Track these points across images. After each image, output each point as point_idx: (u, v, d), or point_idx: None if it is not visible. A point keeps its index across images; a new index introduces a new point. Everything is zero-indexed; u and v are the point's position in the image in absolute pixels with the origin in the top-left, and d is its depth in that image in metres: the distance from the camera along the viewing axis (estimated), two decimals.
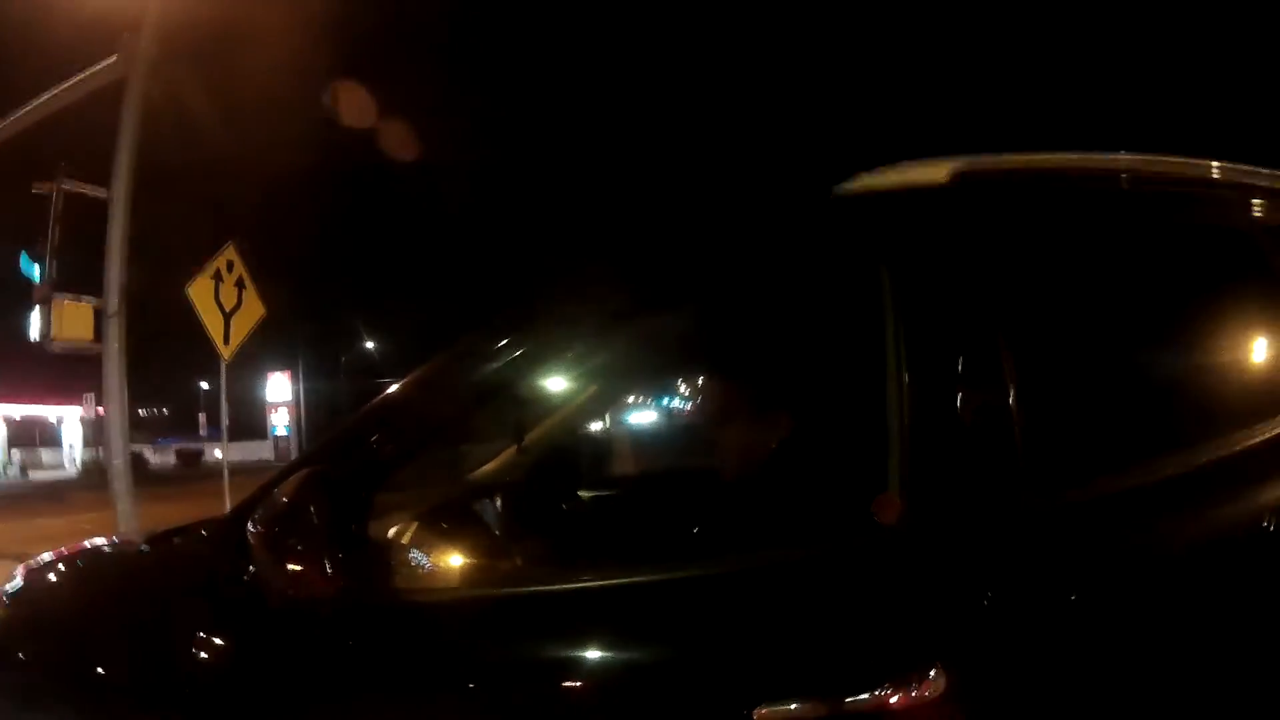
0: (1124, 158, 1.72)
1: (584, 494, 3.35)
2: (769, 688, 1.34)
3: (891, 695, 1.28)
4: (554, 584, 1.69)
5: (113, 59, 9.41)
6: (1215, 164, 1.71)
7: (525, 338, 1.69)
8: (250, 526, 1.57)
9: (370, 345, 54.87)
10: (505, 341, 1.68)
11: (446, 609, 1.65)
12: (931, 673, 1.28)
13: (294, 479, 1.59)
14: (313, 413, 54.10)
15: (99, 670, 1.79)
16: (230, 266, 9.06)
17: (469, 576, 1.91)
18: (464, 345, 1.75)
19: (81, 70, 9.70)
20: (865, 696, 1.29)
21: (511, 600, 1.65)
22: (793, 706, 1.31)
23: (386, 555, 1.91)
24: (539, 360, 1.75)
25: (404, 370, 1.82)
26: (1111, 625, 1.36)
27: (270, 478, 1.78)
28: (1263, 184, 1.70)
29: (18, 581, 2.28)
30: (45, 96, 10.25)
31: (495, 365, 1.68)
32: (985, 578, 1.38)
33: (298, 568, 1.50)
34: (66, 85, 10.01)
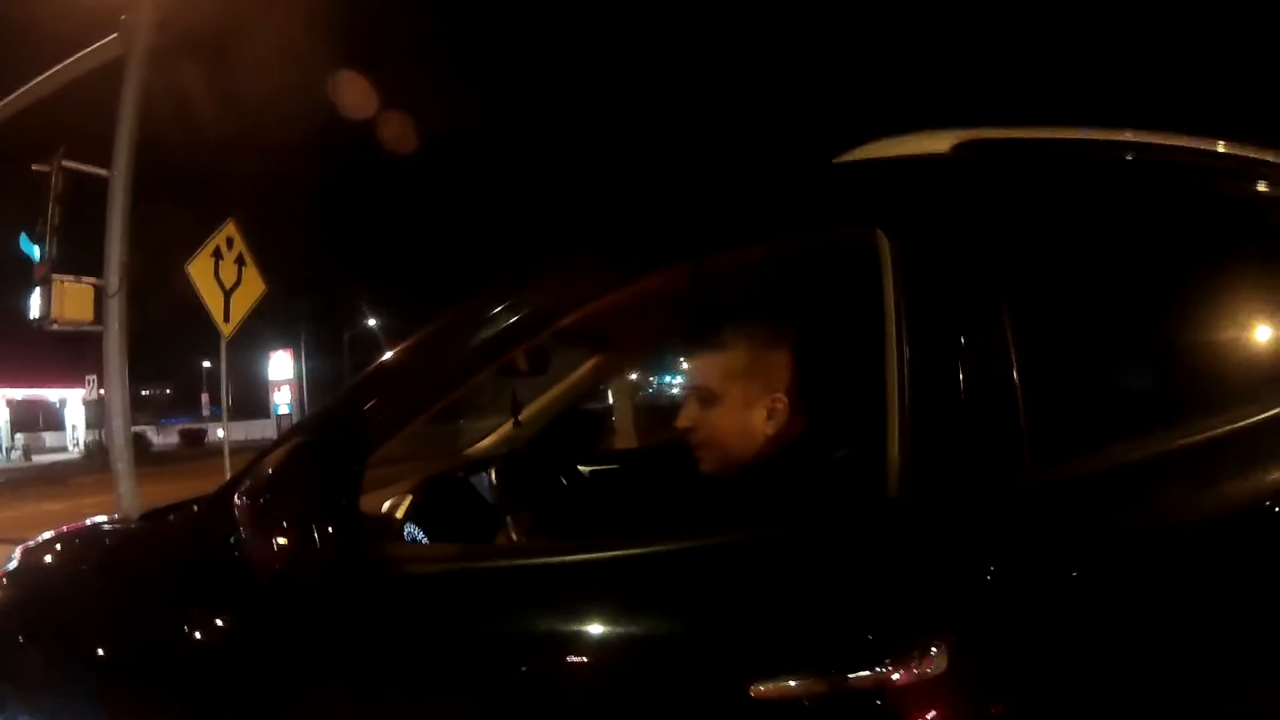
0: (1127, 133, 1.71)
1: (582, 468, 3.35)
2: (767, 662, 1.32)
3: (893, 672, 1.26)
4: (549, 557, 1.66)
5: (113, 37, 9.38)
6: (1222, 140, 1.70)
7: (520, 304, 1.66)
8: (236, 499, 1.55)
9: (373, 322, 54.90)
10: (500, 308, 1.66)
11: (439, 582, 1.62)
12: (933, 649, 1.26)
13: (281, 450, 1.57)
14: (315, 391, 54.33)
15: (92, 648, 1.78)
16: (230, 243, 9.03)
17: (462, 550, 1.87)
18: (458, 312, 1.72)
19: (81, 49, 9.67)
20: (866, 673, 1.27)
21: (505, 573, 1.63)
22: (792, 683, 1.29)
23: (379, 528, 1.89)
24: (534, 328, 1.71)
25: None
26: (1114, 602, 1.34)
27: (259, 451, 1.76)
28: (1270, 159, 1.69)
29: (14, 562, 2.28)
30: (46, 74, 10.24)
31: (490, 332, 1.66)
32: (988, 553, 1.36)
33: (283, 540, 1.47)
34: (67, 63, 9.99)
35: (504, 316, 1.65)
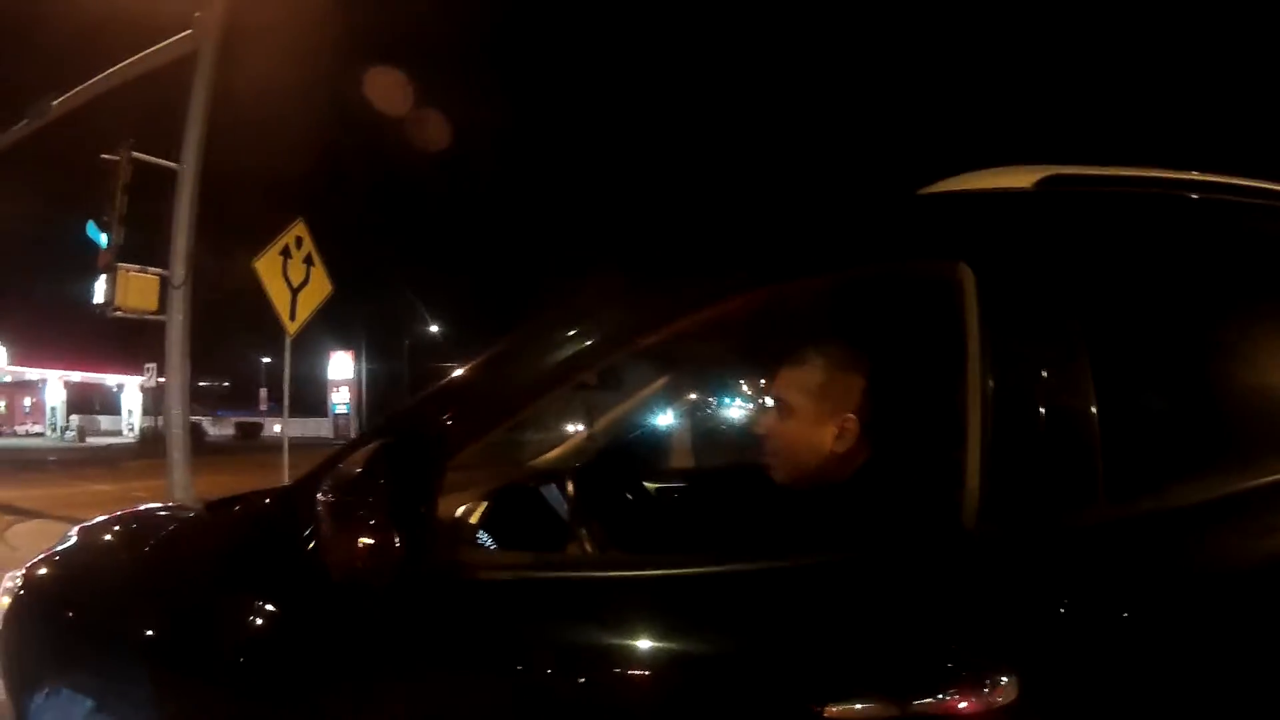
0: (1222, 177, 1.70)
1: (650, 485, 3.34)
2: (839, 685, 1.31)
3: (960, 700, 1.26)
4: (623, 570, 1.66)
5: (186, 33, 9.56)
6: None
7: (599, 325, 1.68)
8: (319, 495, 1.55)
9: (434, 329, 55.72)
10: (579, 329, 1.67)
11: (512, 589, 1.62)
12: (1003, 679, 1.26)
13: (365, 451, 1.57)
14: (373, 393, 55.29)
15: (148, 632, 1.80)
16: (299, 243, 9.09)
17: (536, 559, 1.89)
18: (538, 328, 1.73)
19: (153, 45, 9.88)
20: (934, 699, 1.27)
21: (578, 584, 1.63)
22: (859, 705, 1.29)
23: (453, 533, 1.88)
24: (611, 349, 1.72)
25: (465, 354, 1.80)
26: (1187, 641, 1.32)
27: (338, 449, 1.77)
28: None
29: (71, 541, 2.31)
30: (118, 66, 10.47)
31: (569, 351, 1.67)
32: (1060, 587, 1.35)
33: (363, 540, 1.47)
34: (139, 56, 10.22)
35: (586, 336, 1.66)
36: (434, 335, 55.31)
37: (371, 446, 1.58)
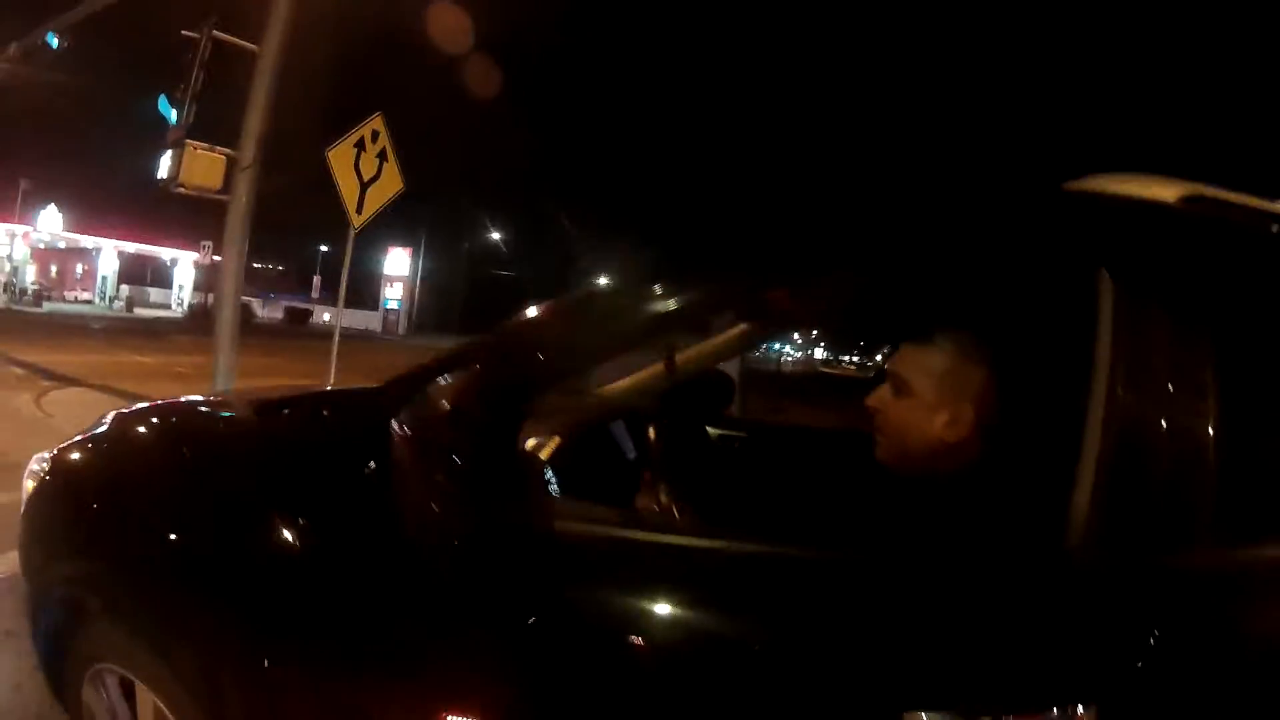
0: None
1: (712, 430, 3.29)
2: (923, 693, 1.29)
3: None
4: (705, 540, 1.60)
5: None
6: None
7: (723, 298, 1.69)
8: (395, 427, 1.49)
9: (494, 236, 55.70)
10: (707, 293, 1.66)
11: (589, 546, 1.56)
12: (1080, 709, 1.24)
13: (455, 384, 1.51)
14: (426, 292, 55.45)
15: (175, 541, 1.77)
16: (375, 137, 9.02)
17: (620, 516, 1.81)
18: (647, 290, 1.66)
19: None
20: (1013, 719, 1.25)
21: (664, 550, 1.56)
22: (940, 716, 1.27)
23: (528, 479, 1.87)
24: (714, 317, 1.69)
25: (524, 265, 1.77)
26: (1265, 702, 1.28)
27: (410, 371, 1.71)
28: None
29: (106, 425, 2.26)
30: None
31: (670, 310, 1.61)
32: (1153, 621, 1.31)
33: (444, 481, 1.41)
34: None
35: (708, 301, 1.67)
36: (494, 243, 55.44)
37: (458, 380, 1.52)
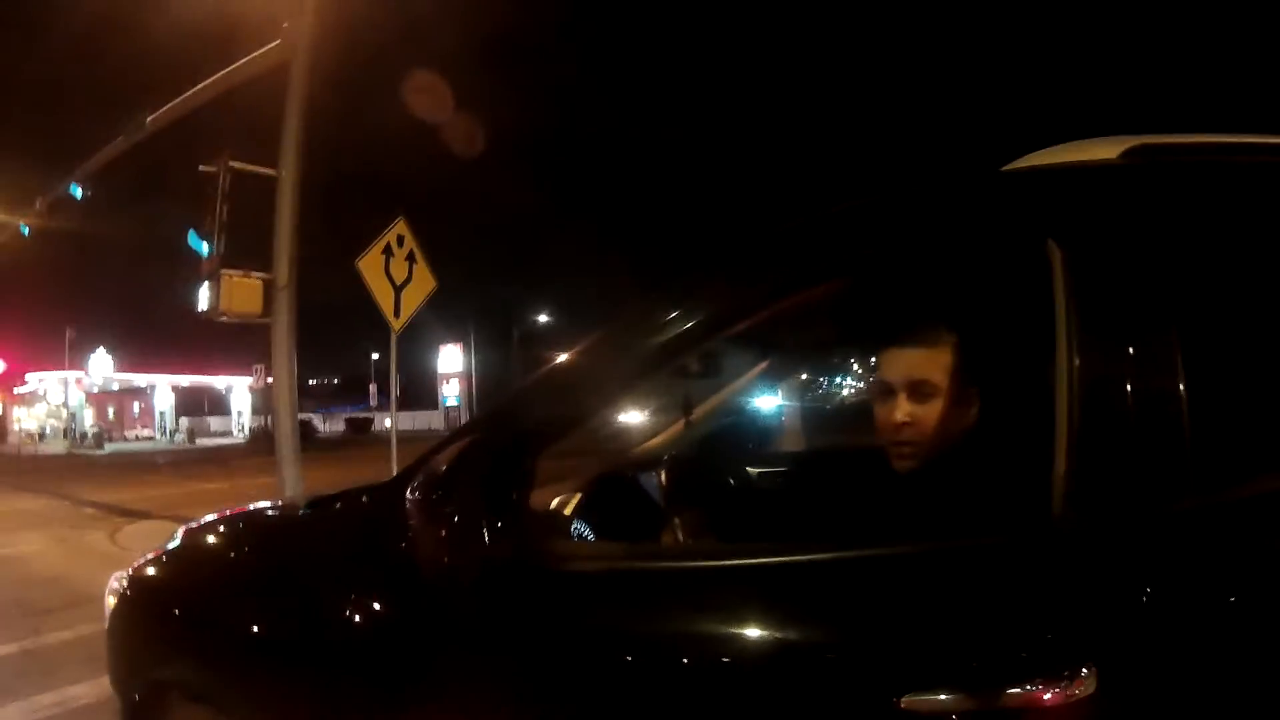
0: None
1: (752, 470, 3.31)
2: (918, 675, 1.30)
3: (1043, 692, 1.24)
4: (711, 560, 1.67)
5: (275, 44, 9.77)
6: None
7: (690, 312, 1.66)
8: (408, 493, 1.58)
9: (543, 319, 56.38)
10: (669, 316, 1.66)
11: (604, 580, 1.63)
12: (1084, 671, 1.24)
13: (454, 447, 1.60)
14: (484, 384, 56.09)
15: (250, 630, 1.88)
16: (400, 240, 9.17)
17: (628, 549, 1.89)
18: (630, 317, 1.73)
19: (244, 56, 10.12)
20: (1015, 691, 1.25)
21: (668, 575, 1.63)
22: (941, 697, 1.27)
23: (547, 525, 1.90)
24: (705, 335, 1.71)
25: (575, 340, 1.82)
26: (1271, 635, 1.26)
27: (431, 446, 1.78)
28: None
29: (177, 540, 2.39)
30: (211, 79, 10.76)
31: (662, 338, 1.66)
32: (1144, 576, 1.30)
33: (452, 536, 1.50)
34: (232, 68, 10.48)
35: (673, 324, 1.65)
36: (543, 325, 55.95)
37: (461, 443, 1.61)
